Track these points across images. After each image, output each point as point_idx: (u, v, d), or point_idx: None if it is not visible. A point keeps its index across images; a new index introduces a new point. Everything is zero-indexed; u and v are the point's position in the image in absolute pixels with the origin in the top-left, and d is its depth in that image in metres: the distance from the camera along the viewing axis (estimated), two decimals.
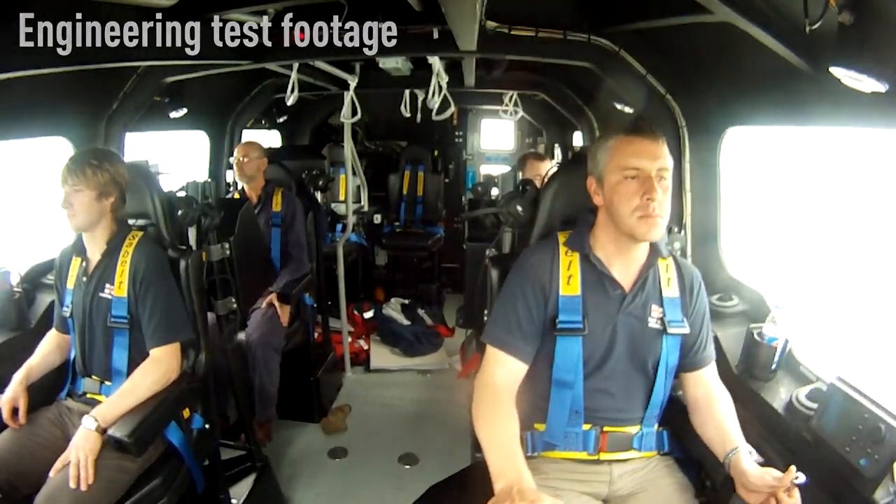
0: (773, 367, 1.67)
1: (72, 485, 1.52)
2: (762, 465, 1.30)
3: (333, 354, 3.61)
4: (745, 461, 1.30)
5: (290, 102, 2.88)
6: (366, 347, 4.07)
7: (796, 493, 1.18)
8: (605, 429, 1.46)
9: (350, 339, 3.92)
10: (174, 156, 3.71)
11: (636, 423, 1.48)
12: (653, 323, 1.46)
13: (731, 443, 1.35)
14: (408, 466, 2.84)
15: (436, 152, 5.67)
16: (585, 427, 1.46)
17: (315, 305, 3.31)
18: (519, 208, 1.83)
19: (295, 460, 2.88)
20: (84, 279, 1.82)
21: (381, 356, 4.02)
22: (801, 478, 1.17)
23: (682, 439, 1.54)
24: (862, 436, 1.28)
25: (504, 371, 1.42)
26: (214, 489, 2.12)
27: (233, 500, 2.22)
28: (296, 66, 2.80)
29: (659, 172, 1.35)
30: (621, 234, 1.41)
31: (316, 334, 3.42)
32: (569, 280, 1.46)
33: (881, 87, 1.14)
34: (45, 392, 1.84)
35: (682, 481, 1.48)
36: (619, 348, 1.44)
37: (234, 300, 2.28)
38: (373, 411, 3.39)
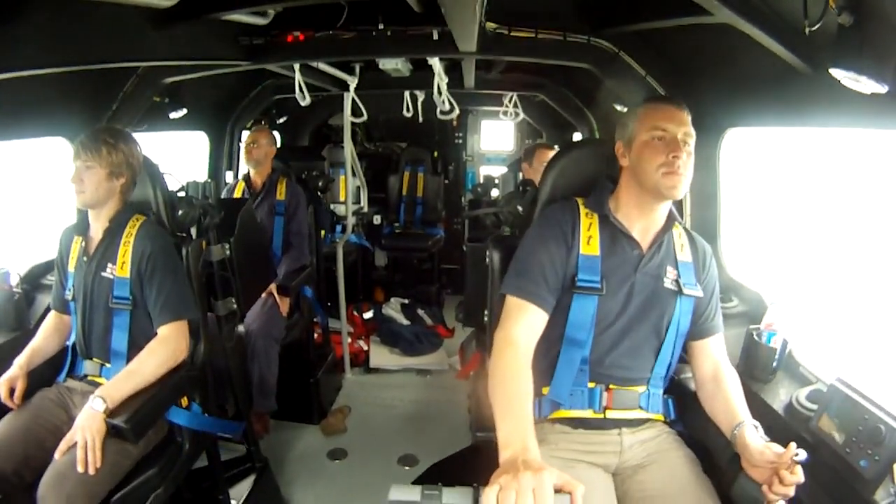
0: (773, 368, 1.67)
1: (79, 468, 1.50)
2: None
3: (333, 355, 3.61)
4: (749, 435, 1.30)
5: (304, 104, 2.99)
6: (365, 348, 4.07)
7: (798, 469, 1.18)
8: (611, 386, 1.49)
9: (349, 340, 3.92)
10: (174, 157, 3.71)
11: (643, 384, 1.51)
12: (668, 283, 1.50)
13: (736, 418, 1.37)
14: (407, 468, 2.83)
15: (435, 153, 5.67)
16: (591, 385, 1.48)
17: (316, 295, 3.32)
18: (519, 208, 1.84)
19: (294, 461, 2.87)
20: (84, 259, 1.81)
21: (381, 355, 4.01)
22: (802, 454, 1.17)
23: (690, 419, 1.55)
24: (862, 437, 1.28)
25: (526, 323, 1.41)
26: (214, 489, 2.12)
27: (232, 501, 2.22)
28: (298, 66, 2.81)
29: (684, 137, 1.43)
30: (645, 192, 1.47)
31: (315, 335, 3.42)
32: (588, 240, 1.50)
33: (880, 89, 1.14)
34: (44, 375, 1.84)
35: (690, 454, 1.49)
36: (634, 307, 1.49)
37: (233, 301, 2.28)
38: (372, 412, 3.39)
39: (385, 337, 4.15)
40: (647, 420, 1.52)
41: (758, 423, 1.35)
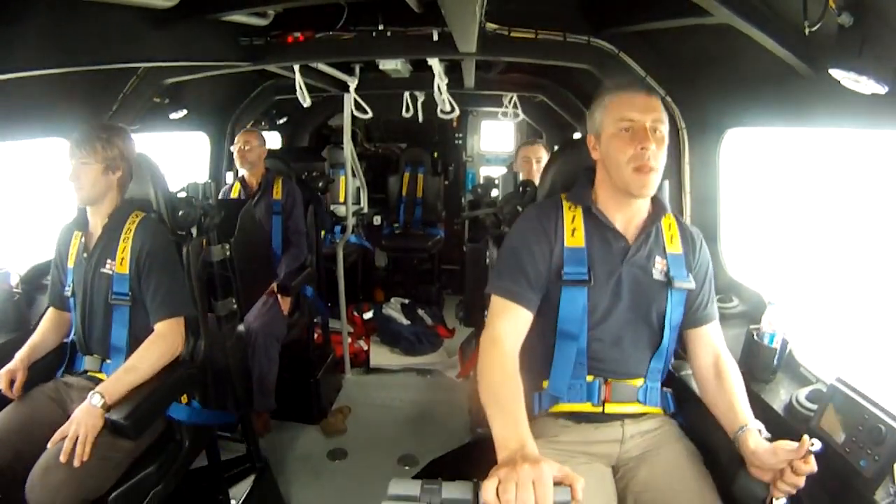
0: (774, 368, 1.67)
1: (62, 458, 1.49)
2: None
3: (333, 356, 3.61)
4: (754, 441, 1.29)
5: (306, 104, 3.01)
6: (365, 348, 4.07)
7: (812, 459, 1.17)
8: (609, 380, 1.47)
9: (350, 341, 3.92)
10: (175, 157, 3.71)
11: (640, 377, 1.50)
12: (657, 275, 1.48)
13: (739, 420, 1.35)
14: (407, 467, 2.83)
15: (435, 154, 5.67)
16: (589, 378, 1.47)
17: (317, 294, 3.33)
18: (519, 208, 1.84)
19: (294, 462, 2.87)
20: (84, 255, 1.82)
21: (381, 355, 4.03)
22: (817, 445, 1.16)
23: (689, 416, 1.54)
24: (862, 436, 1.28)
25: (511, 323, 1.41)
26: (214, 489, 2.11)
27: (232, 501, 2.22)
28: (297, 67, 2.81)
29: (653, 124, 1.39)
30: (618, 189, 1.45)
31: (316, 335, 3.42)
32: (573, 232, 1.49)
33: (880, 89, 1.14)
34: (44, 371, 1.84)
35: (690, 447, 1.48)
36: (624, 299, 1.47)
37: (234, 301, 2.27)
38: (372, 413, 3.39)
39: (385, 336, 4.15)
40: (646, 413, 1.51)
41: (761, 426, 1.34)
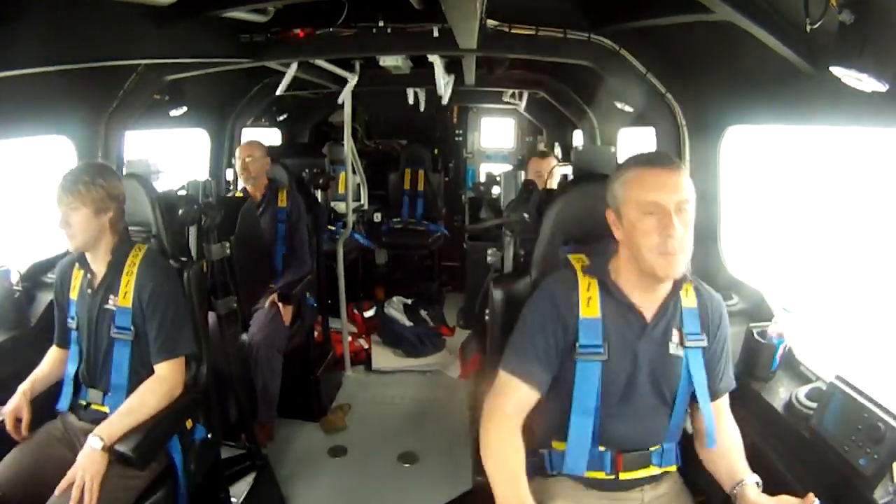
0: (773, 366, 1.67)
1: None
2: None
3: (333, 353, 3.62)
4: (753, 493, 1.30)
5: (279, 92, 2.94)
6: (366, 346, 4.07)
7: None
8: (621, 452, 1.43)
9: (350, 339, 3.92)
10: (175, 154, 3.71)
11: (656, 444, 1.45)
12: (673, 349, 1.41)
13: (737, 474, 1.35)
14: (407, 465, 2.84)
15: (436, 151, 5.66)
16: (601, 448, 1.42)
17: (315, 305, 3.32)
18: (525, 215, 1.82)
19: (295, 459, 2.88)
20: (89, 291, 1.80)
21: (383, 357, 4.01)
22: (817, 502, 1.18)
23: (687, 459, 1.53)
24: (861, 435, 1.28)
25: (516, 400, 1.39)
26: (214, 488, 2.12)
27: (233, 499, 2.22)
28: (295, 64, 2.81)
29: (678, 205, 1.30)
30: (643, 272, 1.36)
31: (316, 333, 3.43)
32: (588, 302, 1.42)
33: (881, 87, 1.14)
34: (47, 405, 1.83)
35: (690, 500, 1.48)
36: (641, 377, 1.40)
37: (234, 300, 2.27)
38: (373, 410, 3.40)
39: (387, 337, 4.13)
40: (664, 474, 1.47)
41: (758, 479, 1.34)
